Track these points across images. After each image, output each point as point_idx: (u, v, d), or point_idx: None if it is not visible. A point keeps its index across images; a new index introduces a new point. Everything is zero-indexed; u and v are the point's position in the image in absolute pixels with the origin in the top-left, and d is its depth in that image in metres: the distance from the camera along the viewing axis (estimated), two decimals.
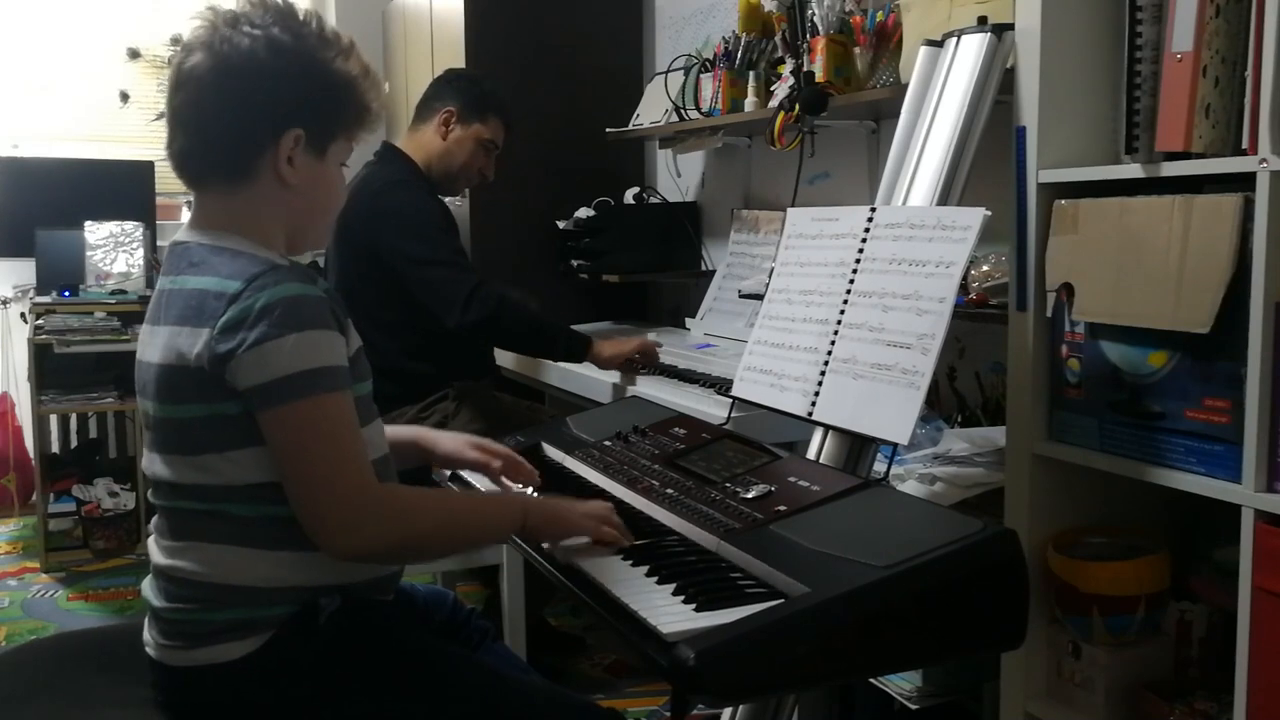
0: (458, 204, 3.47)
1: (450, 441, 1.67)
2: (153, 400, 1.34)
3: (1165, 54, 1.49)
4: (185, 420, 1.30)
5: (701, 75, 3.03)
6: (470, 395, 2.75)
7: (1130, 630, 1.63)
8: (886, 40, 2.35)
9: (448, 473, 1.77)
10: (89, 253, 4.08)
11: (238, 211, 1.35)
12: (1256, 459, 1.38)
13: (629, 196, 3.59)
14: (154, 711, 1.37)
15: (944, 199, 1.69)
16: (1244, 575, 1.40)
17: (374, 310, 2.56)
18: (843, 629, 1.14)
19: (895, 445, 1.50)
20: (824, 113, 2.37)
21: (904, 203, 1.73)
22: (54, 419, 4.27)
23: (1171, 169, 1.50)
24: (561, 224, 3.53)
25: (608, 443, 1.77)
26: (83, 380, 3.96)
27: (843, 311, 1.65)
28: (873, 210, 1.68)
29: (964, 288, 1.99)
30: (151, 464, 1.36)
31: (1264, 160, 1.35)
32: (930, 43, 1.83)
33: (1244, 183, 1.38)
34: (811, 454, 1.68)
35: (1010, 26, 1.69)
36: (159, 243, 4.19)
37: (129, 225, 4.12)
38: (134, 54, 4.56)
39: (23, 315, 4.18)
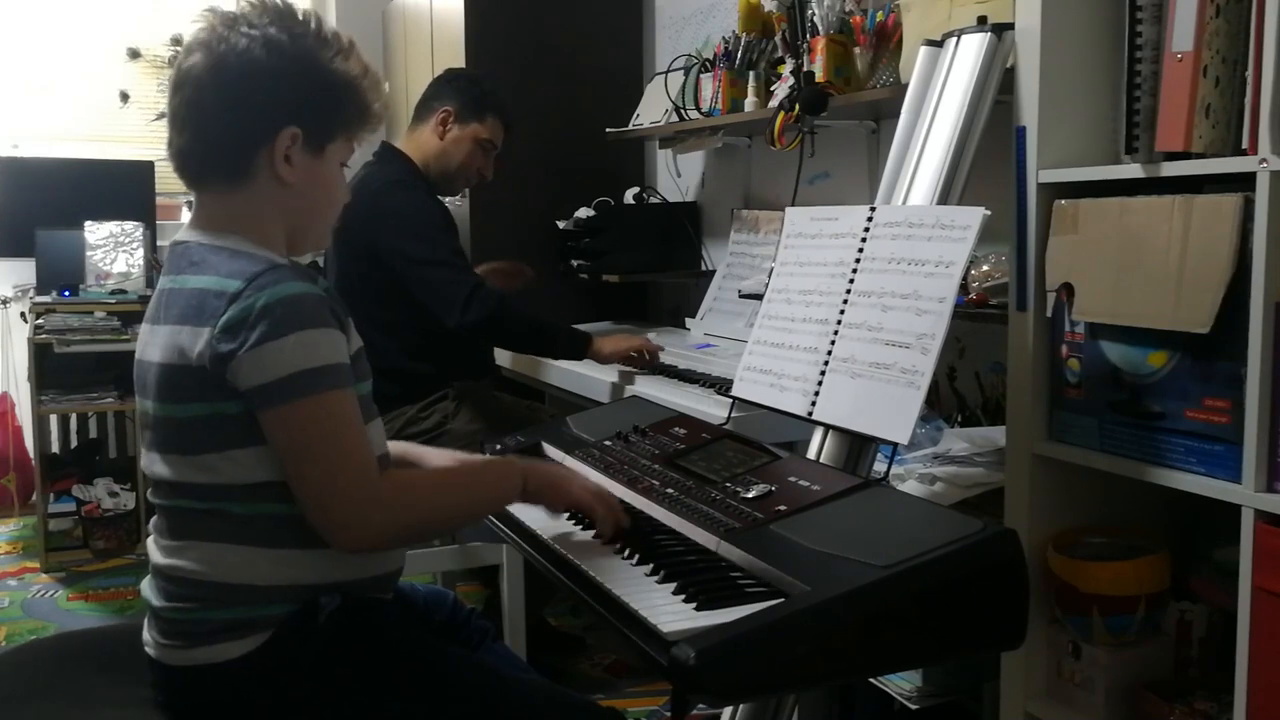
0: (457, 204, 3.48)
1: (437, 458, 1.67)
2: (153, 399, 1.34)
3: (1165, 54, 1.49)
4: (186, 419, 1.30)
5: (701, 75, 3.03)
6: (470, 395, 2.75)
7: (1130, 630, 1.63)
8: (886, 40, 2.35)
9: None
10: (89, 253, 4.08)
11: (237, 211, 1.36)
12: (1256, 459, 1.38)
13: (629, 196, 3.59)
14: (154, 711, 1.37)
15: (944, 199, 1.69)
16: (1244, 575, 1.40)
17: (373, 310, 2.56)
18: (843, 629, 1.14)
19: (895, 445, 1.50)
20: (824, 113, 2.37)
21: (904, 202, 1.73)
22: (54, 419, 4.27)
23: (1171, 169, 1.50)
24: (561, 224, 3.53)
25: (608, 442, 1.77)
26: (83, 380, 3.96)
27: (842, 311, 1.65)
28: (872, 210, 1.68)
29: (964, 287, 1.99)
30: (151, 463, 1.37)
31: (1264, 160, 1.35)
32: (930, 43, 1.83)
33: (1244, 183, 1.38)
34: (811, 454, 1.68)
35: (1010, 26, 1.69)
36: (159, 243, 4.19)
37: (129, 225, 4.12)
38: (134, 54, 4.56)
39: (23, 315, 4.18)
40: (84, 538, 3.97)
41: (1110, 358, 1.59)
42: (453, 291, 2.56)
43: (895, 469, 1.75)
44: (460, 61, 3.52)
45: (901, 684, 1.87)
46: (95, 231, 4.09)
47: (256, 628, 1.30)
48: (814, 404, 1.63)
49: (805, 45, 2.51)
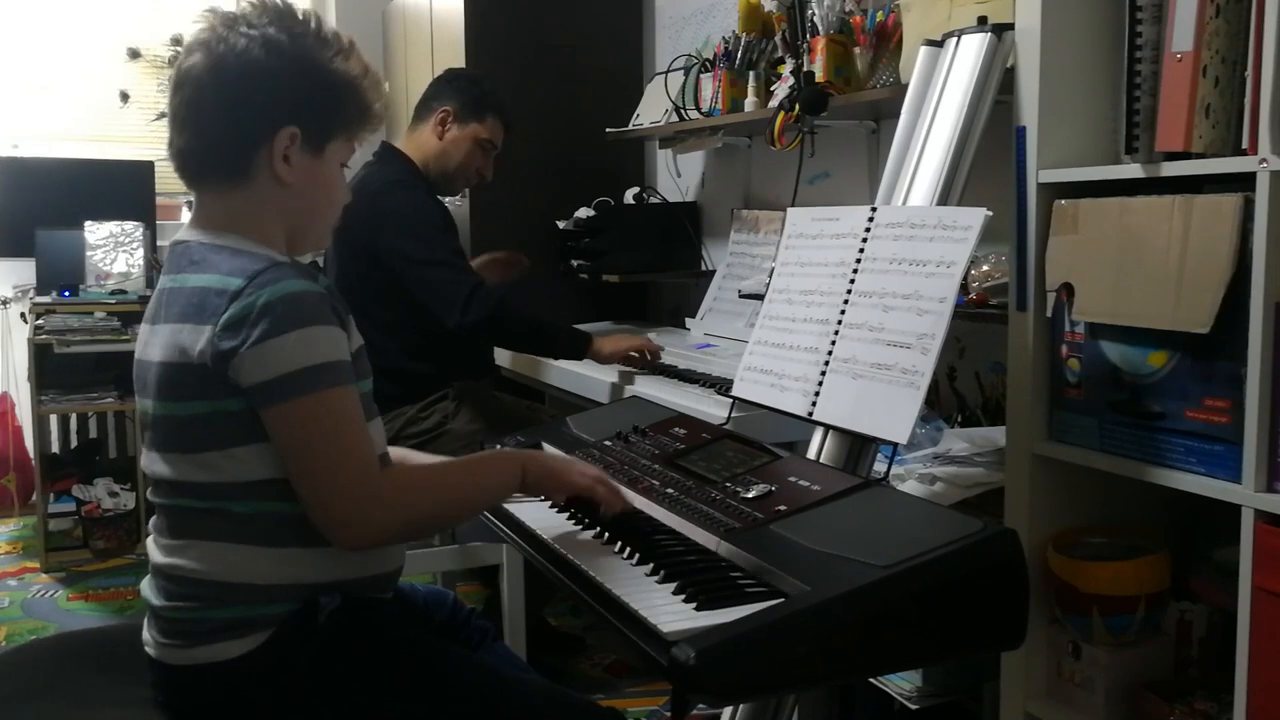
0: (457, 204, 3.48)
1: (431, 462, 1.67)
2: (153, 398, 1.34)
3: (1165, 54, 1.49)
4: (187, 417, 1.30)
5: (701, 75, 3.03)
6: (470, 395, 2.75)
7: (1130, 630, 1.63)
8: (886, 40, 2.35)
9: None
10: (89, 253, 4.08)
11: (237, 211, 1.36)
12: (1256, 459, 1.38)
13: (629, 196, 3.59)
14: (154, 711, 1.37)
15: (944, 199, 1.69)
16: (1244, 575, 1.40)
17: (373, 310, 2.56)
18: (843, 629, 1.14)
19: (895, 445, 1.50)
20: (824, 113, 2.37)
21: (904, 202, 1.73)
22: (54, 419, 4.27)
23: (1171, 169, 1.50)
24: (561, 224, 3.53)
25: (608, 443, 1.77)
26: (83, 380, 3.96)
27: (843, 311, 1.65)
28: (873, 210, 1.68)
29: (964, 288, 1.99)
30: (151, 462, 1.37)
31: (1264, 160, 1.35)
32: (930, 43, 1.83)
33: (1244, 183, 1.38)
34: (811, 454, 1.68)
35: (1010, 26, 1.69)
36: (159, 243, 4.19)
37: (129, 225, 4.12)
38: (134, 54, 4.56)
39: (23, 315, 4.18)
40: (84, 538, 3.97)
41: (1110, 358, 1.59)
42: (452, 291, 2.56)
43: (895, 469, 1.75)
44: (460, 61, 3.52)
45: (901, 684, 1.87)
46: (95, 231, 4.09)
47: (256, 627, 1.30)
48: (814, 404, 1.63)
49: (805, 45, 2.51)
